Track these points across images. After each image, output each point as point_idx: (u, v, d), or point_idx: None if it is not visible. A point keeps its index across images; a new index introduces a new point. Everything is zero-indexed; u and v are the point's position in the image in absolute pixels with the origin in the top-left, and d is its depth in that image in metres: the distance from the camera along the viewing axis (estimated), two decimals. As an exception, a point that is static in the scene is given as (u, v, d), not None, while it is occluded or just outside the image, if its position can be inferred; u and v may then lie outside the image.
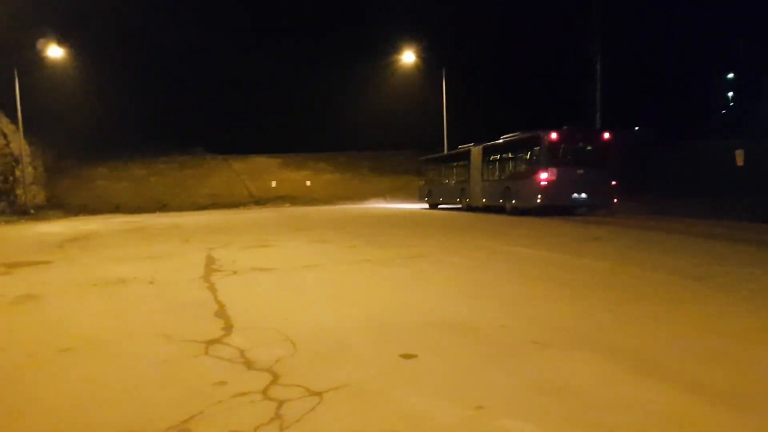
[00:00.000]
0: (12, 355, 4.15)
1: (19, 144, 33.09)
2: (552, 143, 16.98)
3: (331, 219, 19.53)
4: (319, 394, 3.14)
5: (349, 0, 59.58)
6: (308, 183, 43.49)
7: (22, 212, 32.09)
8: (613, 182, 17.53)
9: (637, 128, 38.21)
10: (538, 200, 17.20)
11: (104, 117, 40.25)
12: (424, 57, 33.69)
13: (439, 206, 27.16)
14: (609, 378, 3.31)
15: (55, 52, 32.42)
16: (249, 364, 3.71)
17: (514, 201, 18.87)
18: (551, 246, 9.60)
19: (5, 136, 33.04)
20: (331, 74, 56.69)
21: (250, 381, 3.41)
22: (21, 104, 30.90)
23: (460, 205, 24.00)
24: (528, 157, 18.27)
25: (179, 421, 2.87)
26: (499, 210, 20.28)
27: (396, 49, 34.38)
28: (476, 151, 21.88)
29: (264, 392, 3.21)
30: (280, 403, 3.05)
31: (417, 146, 42.49)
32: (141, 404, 3.15)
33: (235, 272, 7.31)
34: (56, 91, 35.84)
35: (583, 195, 17.19)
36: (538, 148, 17.40)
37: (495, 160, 20.76)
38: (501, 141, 20.42)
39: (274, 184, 43.47)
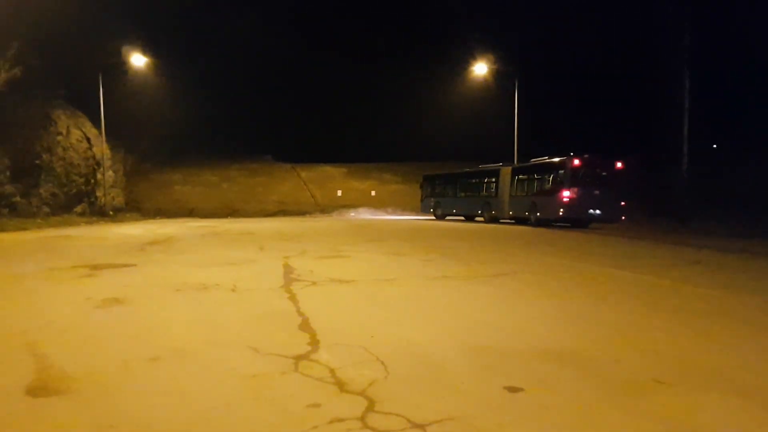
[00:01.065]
0: (103, 361, 4.12)
1: (101, 148, 34.71)
2: (575, 168, 21.03)
3: (399, 230, 19.39)
4: (422, 427, 2.90)
5: (421, 10, 59.65)
6: (373, 193, 43.62)
7: (101, 214, 33.62)
8: (623, 202, 21.52)
9: (714, 146, 36.62)
10: (560, 213, 21.23)
11: (181, 124, 41.72)
12: (496, 67, 33.14)
13: (447, 218, 31.16)
14: (749, 426, 2.92)
15: (138, 60, 33.87)
16: (341, 386, 3.52)
17: (538, 213, 22.85)
18: (649, 269, 9.01)
19: (88, 140, 34.73)
20: (399, 84, 56.82)
21: (345, 406, 3.21)
22: (104, 110, 32.45)
23: (481, 218, 27.84)
24: (554, 177, 22.21)
25: (277, 447, 2.70)
26: (523, 221, 24.55)
27: (467, 59, 34.08)
28: (506, 170, 25.98)
29: (362, 420, 3.00)
30: (381, 434, 2.83)
31: (483, 157, 41.89)
32: (235, 425, 3.00)
33: (314, 283, 7.19)
34: (138, 97, 37.43)
35: (598, 211, 21.15)
36: (563, 171, 21.41)
37: (523, 179, 24.77)
38: (530, 163, 24.72)
39: (339, 193, 43.86)
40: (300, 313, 5.53)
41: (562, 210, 21.03)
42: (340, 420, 3.00)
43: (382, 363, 3.93)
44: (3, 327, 5.17)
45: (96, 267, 9.00)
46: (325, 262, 9.35)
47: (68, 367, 3.95)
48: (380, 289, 6.93)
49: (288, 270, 8.34)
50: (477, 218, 28.84)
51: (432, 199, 32.27)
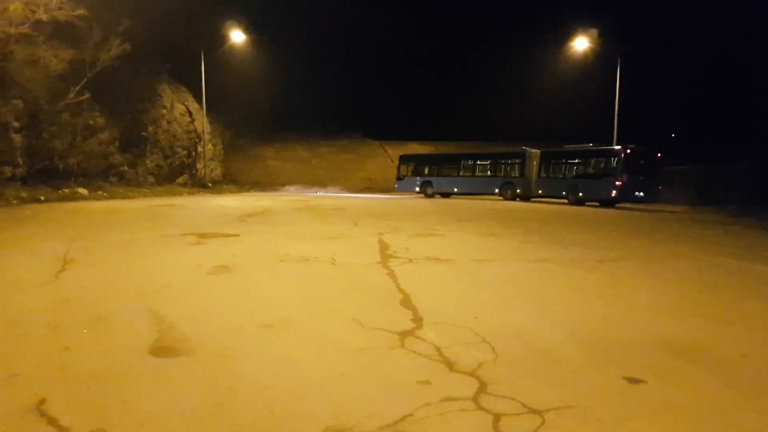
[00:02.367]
0: (217, 326, 4.31)
1: (202, 122, 36.35)
2: (627, 156, 24.25)
3: (490, 210, 19.08)
4: (539, 413, 2.82)
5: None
6: (460, 172, 43.08)
7: (201, 185, 35.36)
8: (660, 186, 25.43)
9: None
10: (613, 195, 24.37)
11: (277, 100, 42.89)
12: (599, 44, 31.60)
13: (435, 196, 32.44)
14: None
15: (238, 36, 35.00)
16: (450, 365, 3.49)
17: (581, 194, 25.95)
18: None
19: (190, 114, 36.46)
20: (491, 63, 55.49)
21: (456, 385, 3.18)
22: (205, 85, 33.88)
23: (500, 197, 29.98)
24: (606, 163, 25.35)
25: (392, 421, 2.71)
26: (555, 200, 27.66)
27: (567, 36, 32.74)
28: (535, 154, 28.95)
29: (475, 401, 2.96)
30: (497, 417, 2.77)
31: (574, 138, 40.32)
32: (347, 396, 3.05)
33: (410, 260, 7.20)
34: (236, 74, 38.79)
35: (641, 193, 24.46)
36: (617, 158, 24.59)
37: (559, 163, 28.03)
38: (569, 149, 27.88)
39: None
40: (400, 290, 5.54)
41: (614, 192, 24.23)
42: (453, 399, 2.98)
43: (490, 345, 3.86)
44: (125, 289, 5.53)
45: (203, 235, 9.45)
46: (420, 240, 9.34)
47: (186, 330, 4.16)
48: (479, 270, 6.83)
49: (383, 246, 8.39)
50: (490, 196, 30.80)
51: (418, 179, 34.20)
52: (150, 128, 31.62)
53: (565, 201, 27.06)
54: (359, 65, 53.79)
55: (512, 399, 2.97)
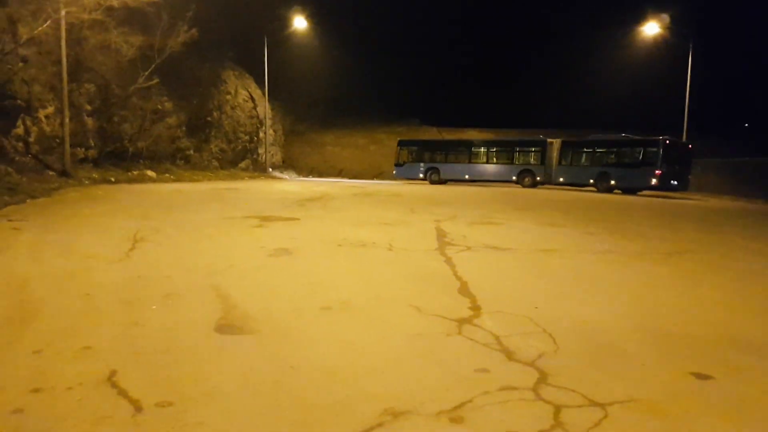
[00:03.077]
0: (279, 306, 4.41)
1: (264, 108, 37.03)
2: (666, 147, 24.96)
3: (551, 200, 18.64)
4: (601, 405, 2.76)
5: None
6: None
7: (262, 170, 36.09)
8: (690, 175, 26.36)
9: None
10: (653, 183, 24.95)
11: (336, 87, 43.13)
12: (670, 29, 30.21)
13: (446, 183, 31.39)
14: None
15: (300, 23, 35.35)
16: (509, 354, 3.45)
17: (613, 182, 26.35)
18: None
19: (253, 100, 37.18)
20: (552, 48, 53.99)
21: (515, 374, 3.15)
22: (268, 71, 34.44)
23: (518, 184, 29.58)
24: (642, 153, 26.03)
25: (451, 407, 2.71)
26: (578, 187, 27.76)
27: (635, 20, 31.47)
28: (556, 143, 29.27)
29: (535, 391, 2.93)
30: (557, 408, 2.73)
31: (645, 127, 38.82)
32: (405, 380, 3.06)
33: (468, 248, 7.14)
34: (297, 60, 39.24)
35: (675, 182, 25.44)
36: (655, 149, 25.18)
37: (586, 151, 28.59)
38: (592, 138, 28.76)
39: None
40: (458, 277, 5.51)
41: (654, 180, 24.97)
42: (512, 388, 2.95)
43: (550, 336, 3.80)
44: (191, 268, 5.73)
45: (265, 218, 9.66)
46: (478, 228, 9.24)
47: (249, 309, 4.28)
48: (540, 260, 6.71)
49: (441, 233, 8.35)
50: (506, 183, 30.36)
51: (422, 165, 33.06)
52: (215, 113, 32.45)
53: (592, 189, 27.26)
54: (419, 52, 53.30)
55: (574, 391, 2.92)
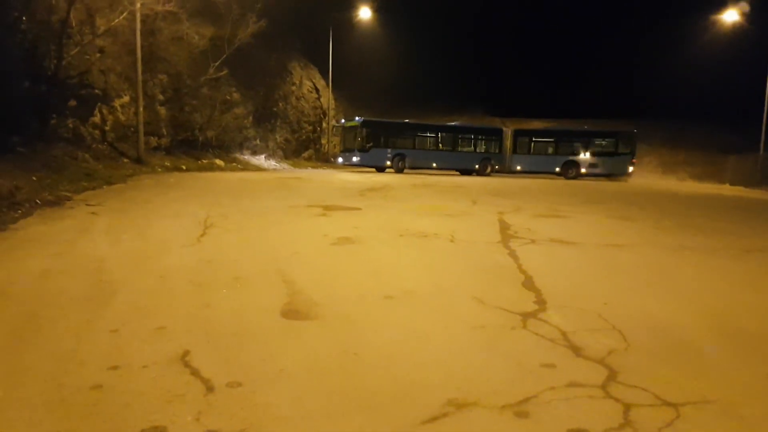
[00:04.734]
0: (342, 293, 4.46)
1: (327, 99, 37.43)
2: (636, 137, 29.55)
3: (620, 192, 18.06)
4: (674, 406, 2.66)
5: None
6: (587, 152, 41.06)
7: (324, 160, 36.56)
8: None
9: None
10: (629, 171, 28.63)
11: (399, 78, 43.09)
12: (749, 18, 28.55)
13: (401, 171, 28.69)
14: None
15: (365, 13, 35.43)
16: (576, 350, 3.37)
17: (584, 170, 29.08)
18: None
19: (317, 90, 37.65)
20: (619, 35, 51.96)
21: (583, 371, 3.07)
22: (332, 62, 34.74)
23: (475, 173, 29.41)
24: (617, 144, 29.55)
25: (515, 401, 2.68)
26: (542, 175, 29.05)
27: (713, 8, 29.90)
28: (509, 132, 30.78)
29: (604, 389, 2.85)
30: (627, 406, 2.65)
31: (720, 120, 37.00)
32: (470, 371, 3.04)
33: (533, 241, 7.00)
34: (361, 51, 39.39)
35: (631, 168, 28.98)
36: (631, 139, 29.49)
37: (544, 141, 30.77)
38: (559, 128, 32.13)
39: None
40: (521, 270, 5.41)
41: (631, 169, 28.52)
42: (580, 385, 2.88)
43: (620, 332, 3.68)
44: (259, 254, 5.88)
45: (327, 207, 9.79)
46: (543, 220, 9.04)
47: (314, 295, 4.35)
48: (610, 255, 6.50)
49: (504, 226, 8.23)
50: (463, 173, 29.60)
51: (389, 151, 29.16)
52: (280, 104, 33.08)
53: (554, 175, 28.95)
54: (482, 42, 52.52)
55: (645, 390, 2.82)
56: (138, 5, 18.37)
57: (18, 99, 14.67)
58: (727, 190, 24.67)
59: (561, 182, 24.60)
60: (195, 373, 2.89)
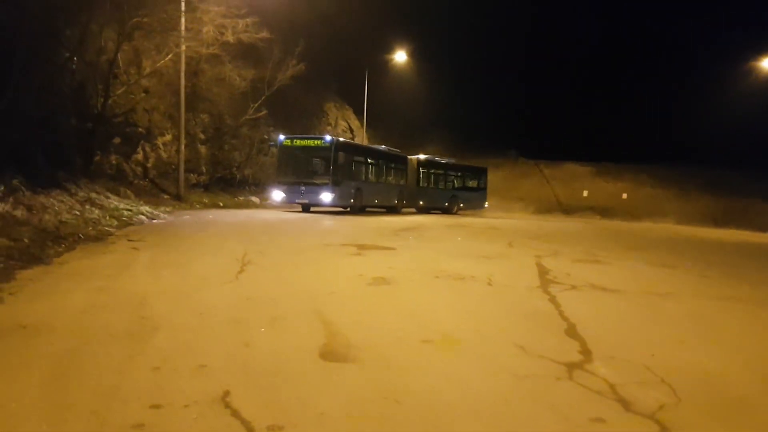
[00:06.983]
0: (380, 336, 4.40)
1: (362, 138, 37.92)
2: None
3: (660, 239, 17.66)
4: (734, 467, 2.51)
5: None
6: (624, 196, 40.51)
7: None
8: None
9: None
10: (486, 206, 30.71)
11: (431, 118, 43.57)
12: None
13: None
14: None
15: (400, 57, 36.09)
16: (625, 405, 3.23)
17: (461, 205, 29.00)
18: None
19: (352, 131, 38.23)
20: (658, 80, 51.80)
21: (634, 426, 2.95)
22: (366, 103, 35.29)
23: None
24: (479, 179, 31.57)
25: (565, 457, 2.56)
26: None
27: (752, 50, 29.66)
28: (413, 161, 26.63)
29: (658, 447, 2.71)
30: (684, 467, 2.51)
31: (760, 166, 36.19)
32: (516, 424, 2.95)
33: (573, 287, 6.85)
34: (396, 91, 39.99)
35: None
36: (485, 175, 31.84)
37: (438, 173, 28.83)
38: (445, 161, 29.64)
39: (585, 193, 41.62)
40: (563, 318, 5.28)
41: (486, 204, 30.71)
42: (632, 442, 2.75)
43: (670, 386, 3.53)
44: (296, 293, 5.88)
45: (362, 246, 9.79)
46: (582, 266, 8.87)
47: (351, 337, 4.31)
48: (654, 303, 6.31)
49: (542, 270, 8.09)
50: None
51: (353, 183, 21.26)
52: (316, 144, 33.63)
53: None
54: (515, 84, 52.94)
55: (701, 449, 2.68)
56: (183, 48, 19.06)
57: (65, 136, 15.23)
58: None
59: (600, 225, 24.18)
60: (235, 414, 2.85)
